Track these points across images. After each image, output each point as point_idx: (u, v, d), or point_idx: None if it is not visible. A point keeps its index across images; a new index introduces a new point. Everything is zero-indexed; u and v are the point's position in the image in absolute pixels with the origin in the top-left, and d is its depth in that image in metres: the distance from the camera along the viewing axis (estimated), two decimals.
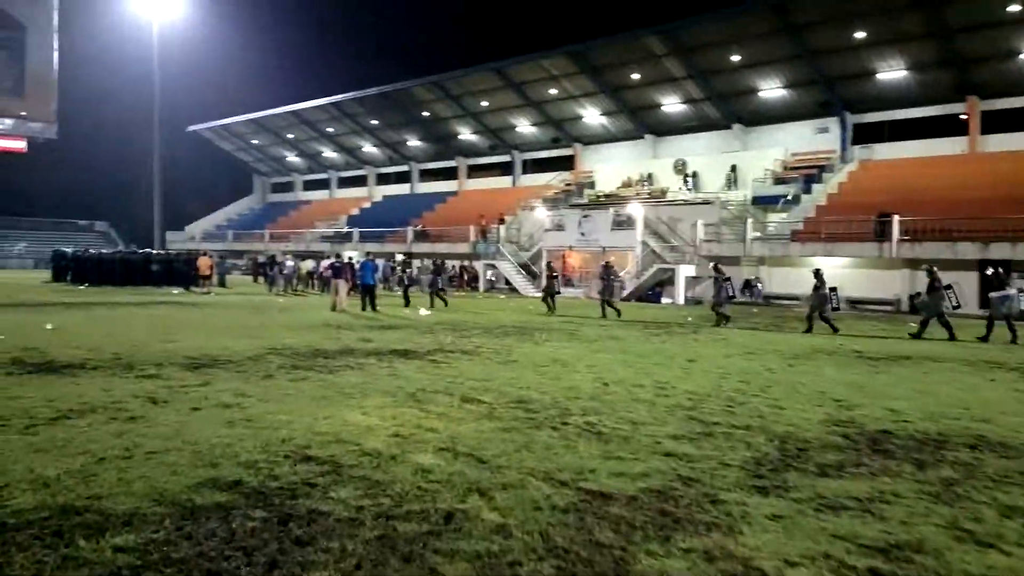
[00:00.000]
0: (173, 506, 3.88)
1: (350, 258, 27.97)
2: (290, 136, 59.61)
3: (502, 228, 38.74)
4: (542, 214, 36.21)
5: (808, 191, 31.95)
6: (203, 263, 30.47)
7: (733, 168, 35.59)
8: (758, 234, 29.78)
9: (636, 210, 31.99)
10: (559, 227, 34.58)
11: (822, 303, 16.46)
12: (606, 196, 38.37)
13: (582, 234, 33.26)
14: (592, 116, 42.16)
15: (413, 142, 52.89)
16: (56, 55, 60.22)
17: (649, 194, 36.72)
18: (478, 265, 38.30)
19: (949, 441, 5.83)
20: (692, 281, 29.81)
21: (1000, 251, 23.03)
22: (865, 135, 33.93)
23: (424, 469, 4.64)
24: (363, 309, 20.00)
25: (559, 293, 22.01)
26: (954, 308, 17.20)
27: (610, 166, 41.75)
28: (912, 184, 28.38)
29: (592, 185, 41.39)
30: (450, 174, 52.63)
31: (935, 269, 15.68)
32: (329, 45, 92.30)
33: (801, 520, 3.87)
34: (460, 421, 6.15)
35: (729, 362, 10.71)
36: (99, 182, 68.39)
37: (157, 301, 22.42)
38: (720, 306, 18.25)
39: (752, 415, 6.65)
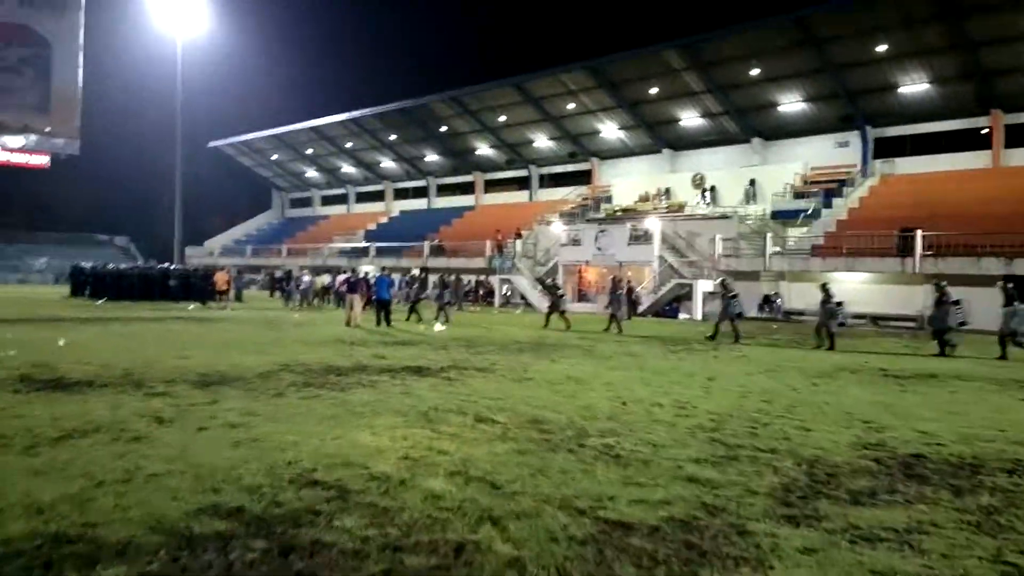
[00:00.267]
0: (170, 535, 3.70)
1: (366, 273, 27.88)
2: (309, 152, 60.03)
3: (518, 243, 38.59)
4: (558, 229, 36.02)
5: (829, 205, 31.55)
6: (220, 278, 30.57)
7: (752, 182, 35.25)
8: (778, 249, 29.37)
9: (653, 224, 31.71)
10: (576, 242, 34.35)
11: (830, 317, 16.40)
12: (623, 211, 38.14)
13: (599, 249, 33.01)
14: (610, 130, 42.04)
15: (431, 157, 53.04)
16: (81, 72, 61.15)
17: (667, 208, 36.44)
18: (494, 280, 38.14)
19: (985, 465, 5.53)
20: (710, 296, 29.41)
21: None
22: (887, 149, 33.50)
23: (434, 495, 4.42)
24: (378, 324, 19.87)
25: (564, 311, 21.92)
26: (959, 325, 16.98)
27: (627, 180, 41.54)
28: (935, 199, 27.91)
29: (609, 199, 41.20)
30: (467, 189, 52.68)
31: (943, 284, 15.65)
32: (348, 61, 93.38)
33: (835, 554, 3.62)
34: (473, 443, 5.93)
35: (750, 380, 10.40)
36: (120, 198, 69.36)
37: (173, 316, 22.42)
38: (731, 321, 18.03)
39: (777, 437, 6.38)
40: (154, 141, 60.32)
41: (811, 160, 35.23)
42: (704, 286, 29.53)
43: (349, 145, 56.32)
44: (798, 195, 33.11)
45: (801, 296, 28.32)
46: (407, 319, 22.49)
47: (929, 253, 24.66)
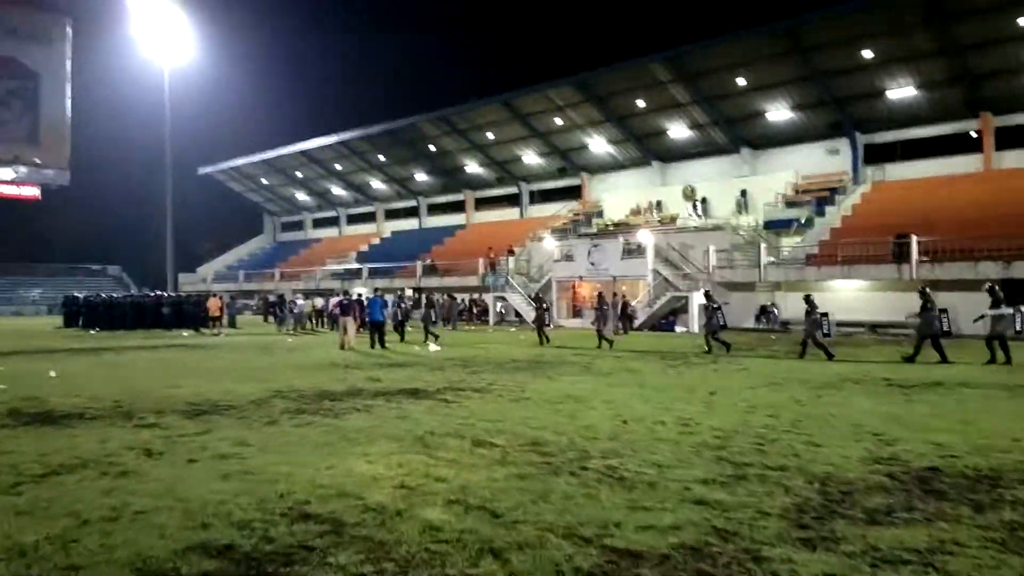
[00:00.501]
0: None
1: (359, 295, 27.67)
2: (299, 175, 59.98)
3: (511, 260, 38.46)
4: (551, 245, 35.94)
5: (821, 214, 31.53)
6: (213, 304, 30.34)
7: (743, 193, 35.27)
8: (772, 259, 29.31)
9: (646, 238, 31.65)
10: (568, 257, 34.26)
11: (816, 328, 16.47)
12: (615, 225, 38.09)
13: (592, 264, 32.90)
14: (599, 145, 42.09)
15: (420, 176, 53.03)
16: (69, 102, 61.13)
17: (659, 221, 36.41)
18: (488, 298, 37.96)
19: (1003, 478, 5.36)
20: (705, 309, 29.30)
21: (1022, 270, 22.48)
22: (877, 155, 33.56)
23: (432, 526, 4.23)
24: (372, 347, 19.66)
25: (548, 325, 21.98)
26: (943, 332, 17.02)
27: (618, 194, 41.54)
28: (928, 204, 27.92)
29: (600, 214, 41.16)
30: (458, 207, 52.65)
31: (928, 290, 15.67)
32: (335, 84, 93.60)
33: None
34: (471, 468, 5.74)
35: (754, 394, 10.22)
36: (112, 227, 69.08)
37: (166, 344, 22.20)
38: (715, 334, 18.12)
39: (786, 454, 6.19)
40: (144, 169, 60.27)
41: (801, 168, 35.29)
42: (700, 299, 29.42)
43: (338, 167, 56.28)
44: (790, 204, 33.11)
45: (798, 306, 28.22)
46: (401, 340, 22.34)
47: (926, 259, 24.60)
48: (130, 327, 31.00)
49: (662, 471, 5.58)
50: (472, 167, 49.31)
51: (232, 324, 32.67)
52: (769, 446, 6.53)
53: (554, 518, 4.38)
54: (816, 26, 30.18)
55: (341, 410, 8.84)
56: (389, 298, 28.97)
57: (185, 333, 28.43)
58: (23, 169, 59.86)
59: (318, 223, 65.32)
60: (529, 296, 32.91)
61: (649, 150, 40.67)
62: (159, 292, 39.02)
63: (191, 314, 31.72)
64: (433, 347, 19.78)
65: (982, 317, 15.25)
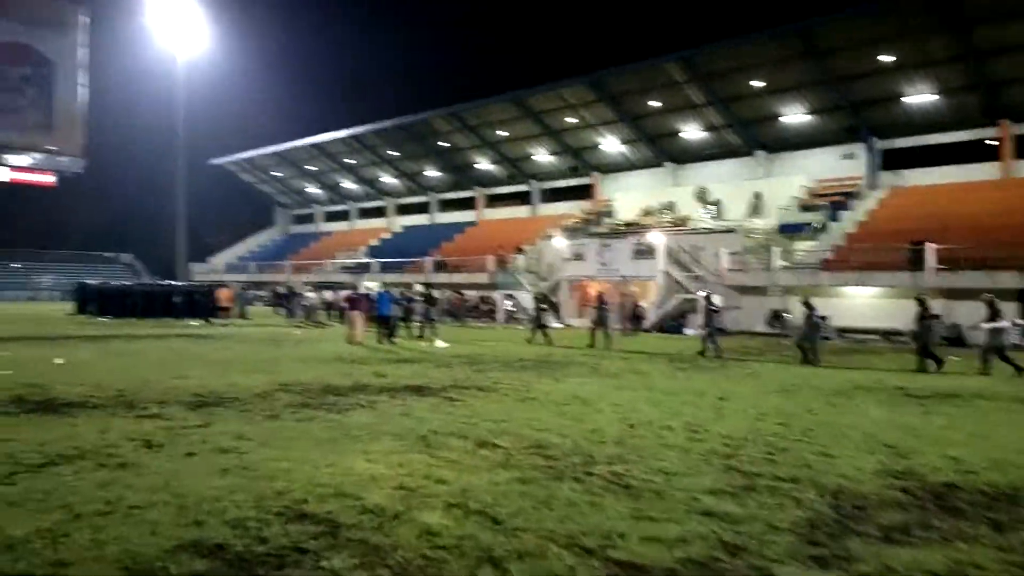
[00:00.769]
0: None
1: (368, 289, 27.59)
2: (311, 168, 60.06)
3: (521, 258, 38.32)
4: (561, 244, 35.77)
5: (836, 219, 31.22)
6: (223, 294, 30.34)
7: (757, 195, 34.97)
8: (785, 263, 29.04)
9: (657, 239, 31.42)
10: (578, 257, 34.08)
11: (814, 331, 16.41)
12: (626, 225, 37.87)
13: (602, 264, 32.72)
14: (611, 144, 41.87)
15: (431, 172, 52.99)
16: (85, 91, 61.48)
17: (671, 222, 36.16)
18: (497, 295, 37.84)
19: (1022, 496, 5.17)
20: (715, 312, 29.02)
21: None
22: (894, 161, 33.22)
23: (430, 531, 4.10)
24: (379, 342, 19.58)
25: (547, 325, 21.84)
26: (956, 342, 16.82)
27: (629, 195, 41.34)
28: (945, 211, 27.58)
29: (611, 214, 40.95)
30: (468, 204, 52.57)
31: (926, 298, 15.49)
32: (348, 77, 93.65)
33: None
34: (473, 470, 5.61)
35: (764, 400, 10.04)
36: (125, 215, 69.48)
37: (175, 334, 22.14)
38: (711, 336, 17.97)
39: (797, 464, 6.02)
40: (158, 159, 60.36)
41: (816, 173, 34.97)
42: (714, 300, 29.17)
43: (350, 161, 56.33)
44: (804, 208, 32.79)
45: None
46: (417, 336, 22.13)
47: (942, 267, 24.26)
48: (141, 315, 31.03)
49: (669, 479, 5.43)
50: (483, 164, 49.21)
51: (243, 315, 32.67)
52: (780, 455, 6.36)
53: (556, 526, 4.24)
54: (832, 29, 29.85)
55: (345, 406, 8.73)
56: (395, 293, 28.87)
57: (195, 323, 28.43)
58: (38, 156, 60.31)
59: (329, 216, 65.47)
60: (545, 294, 32.77)
61: (662, 151, 40.42)
62: (169, 281, 39.12)
63: (202, 304, 31.71)
64: (440, 343, 19.67)
65: (977, 328, 15.15)
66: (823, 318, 18.10)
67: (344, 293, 28.39)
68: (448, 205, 54.63)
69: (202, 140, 59.49)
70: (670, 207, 38.22)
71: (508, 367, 13.96)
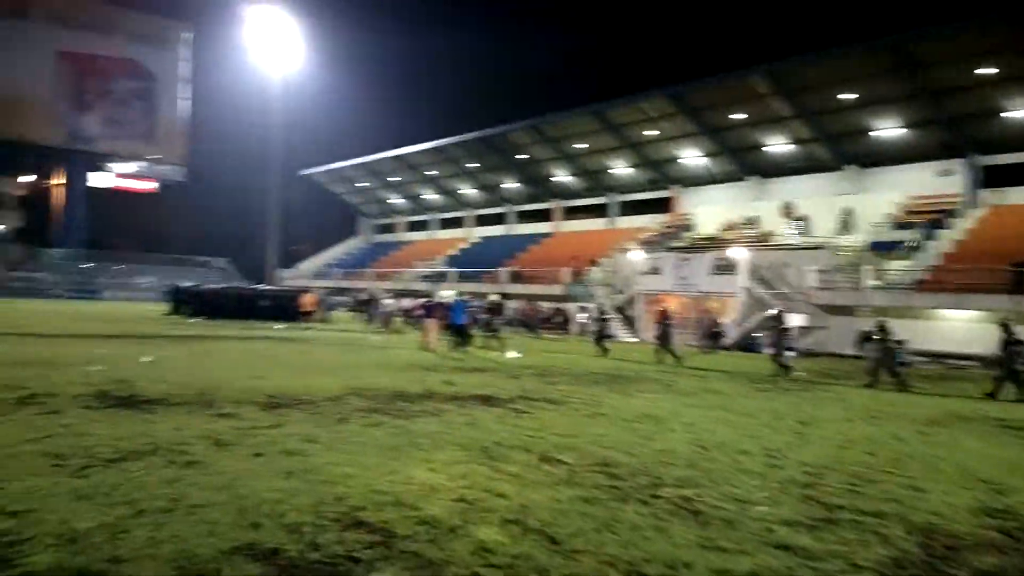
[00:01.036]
0: None
1: (444, 298, 27.87)
2: (394, 179, 61.54)
3: (596, 270, 37.93)
4: (637, 257, 35.20)
5: (932, 237, 29.50)
6: (307, 299, 31.26)
7: (847, 211, 33.48)
8: (877, 282, 27.59)
9: (739, 254, 30.46)
10: (655, 270, 33.43)
11: (888, 356, 15.67)
12: (707, 239, 36.94)
13: (680, 278, 31.97)
14: (691, 158, 41.03)
15: (510, 184, 53.33)
16: (187, 103, 65.26)
17: (754, 238, 35.03)
18: (571, 307, 37.55)
19: None
20: (802, 331, 27.83)
21: None
22: (995, 178, 31.15)
23: (485, 548, 3.96)
24: (453, 350, 19.66)
25: (609, 338, 21.48)
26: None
27: (710, 209, 40.34)
28: None
29: (691, 228, 40.04)
30: (545, 216, 52.59)
31: (1009, 323, 14.57)
32: (431, 91, 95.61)
33: None
34: (535, 486, 5.44)
35: (850, 427, 9.44)
36: (222, 221, 72.94)
37: (260, 336, 22.87)
38: (780, 356, 17.45)
39: (884, 498, 5.58)
40: (253, 169, 63.26)
41: (911, 189, 33.18)
42: (795, 319, 28.01)
43: (432, 173, 57.40)
44: (898, 226, 31.14)
45: (903, 334, 26.38)
46: (481, 346, 22.20)
47: None
48: (230, 317, 32.31)
49: (742, 507, 5.11)
50: (561, 176, 49.16)
51: (326, 320, 33.56)
52: (865, 487, 5.91)
53: (618, 551, 4.03)
54: (927, 42, 28.33)
55: (412, 413, 8.73)
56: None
57: (279, 326, 29.36)
58: (142, 164, 64.34)
59: (410, 226, 66.87)
60: (621, 308, 32.30)
61: (745, 164, 39.31)
62: (258, 285, 40.71)
63: (288, 308, 32.76)
64: (512, 354, 19.59)
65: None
66: (899, 342, 17.20)
67: (421, 300, 28.76)
68: (525, 216, 54.82)
69: (294, 152, 61.99)
70: (753, 222, 37.05)
71: (578, 380, 13.73)
